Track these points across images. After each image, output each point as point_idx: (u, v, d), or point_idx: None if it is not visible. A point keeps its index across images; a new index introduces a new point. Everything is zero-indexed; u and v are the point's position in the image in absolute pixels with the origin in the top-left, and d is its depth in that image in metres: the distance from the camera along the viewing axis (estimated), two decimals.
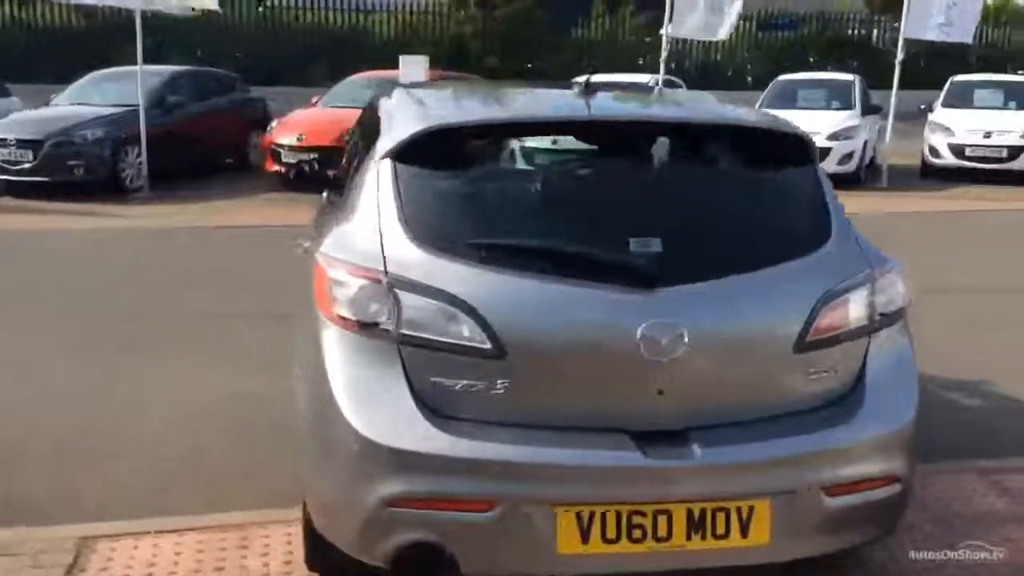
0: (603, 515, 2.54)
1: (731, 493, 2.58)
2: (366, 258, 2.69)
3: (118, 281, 7.83)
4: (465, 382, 2.58)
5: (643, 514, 2.55)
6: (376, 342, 2.64)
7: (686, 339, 2.55)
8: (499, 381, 2.58)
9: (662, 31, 24.70)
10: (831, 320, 2.72)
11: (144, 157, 12.13)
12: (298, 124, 13.23)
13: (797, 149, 3.02)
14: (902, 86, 13.87)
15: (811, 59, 24.17)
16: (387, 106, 3.43)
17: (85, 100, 12.96)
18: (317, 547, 2.98)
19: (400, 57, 13.14)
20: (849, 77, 15.54)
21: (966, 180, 14.01)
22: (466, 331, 2.57)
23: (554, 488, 2.53)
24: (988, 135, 14.18)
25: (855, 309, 2.77)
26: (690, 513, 2.56)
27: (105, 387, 5.25)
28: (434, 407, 2.59)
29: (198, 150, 13.48)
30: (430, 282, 2.60)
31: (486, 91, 4.16)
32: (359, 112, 13.68)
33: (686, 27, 13.59)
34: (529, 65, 22.43)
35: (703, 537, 2.57)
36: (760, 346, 2.70)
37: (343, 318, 2.68)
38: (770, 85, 15.22)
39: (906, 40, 13.92)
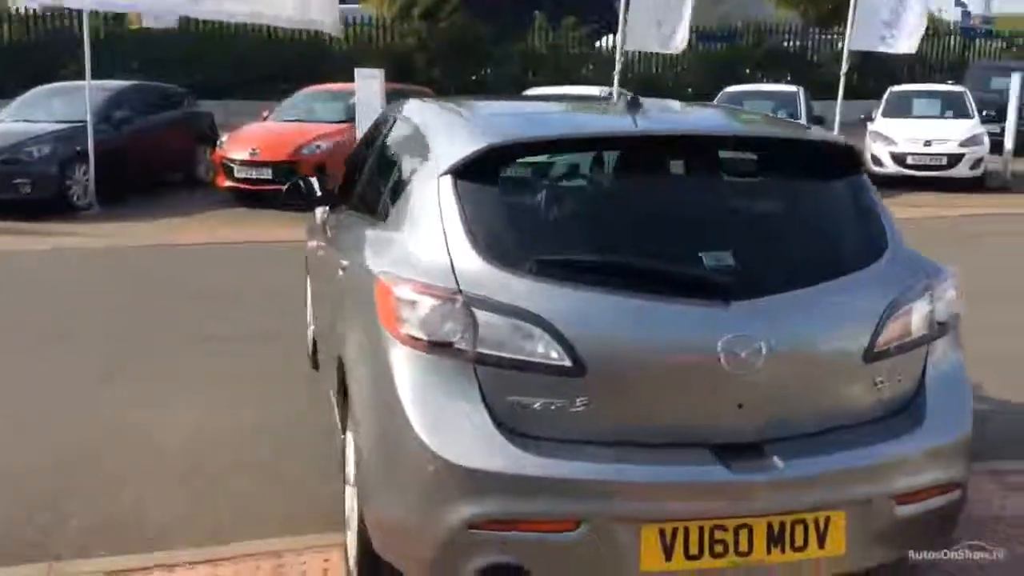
0: (686, 531, 2.52)
1: (810, 505, 2.58)
2: (436, 276, 2.65)
3: (74, 302, 7.63)
4: (544, 400, 2.55)
5: (725, 528, 2.54)
6: (450, 362, 2.59)
7: (764, 352, 2.56)
8: (579, 398, 2.55)
9: (598, 43, 25.14)
10: (896, 330, 2.76)
11: (92, 174, 11.82)
12: (251, 138, 13.03)
13: (848, 161, 3.06)
14: (833, 96, 14.24)
15: (748, 71, 24.67)
16: (424, 121, 3.38)
17: (29, 116, 12.54)
18: (371, 573, 2.93)
19: (356, 71, 12.94)
20: (793, 88, 15.90)
21: (908, 187, 14.37)
22: (545, 348, 2.54)
23: (641, 505, 2.51)
24: (928, 143, 14.61)
25: (917, 318, 2.81)
26: (770, 526, 2.56)
27: (73, 410, 5.12)
28: (512, 426, 2.55)
29: (147, 166, 13.19)
30: (506, 299, 2.56)
31: (520, 106, 4.13)
32: (315, 125, 13.55)
33: (640, 39, 13.72)
34: (474, 77, 22.44)
35: (782, 550, 2.58)
36: (833, 357, 2.72)
37: (413, 338, 2.63)
38: (718, 96, 15.45)
39: (850, 52, 14.29)
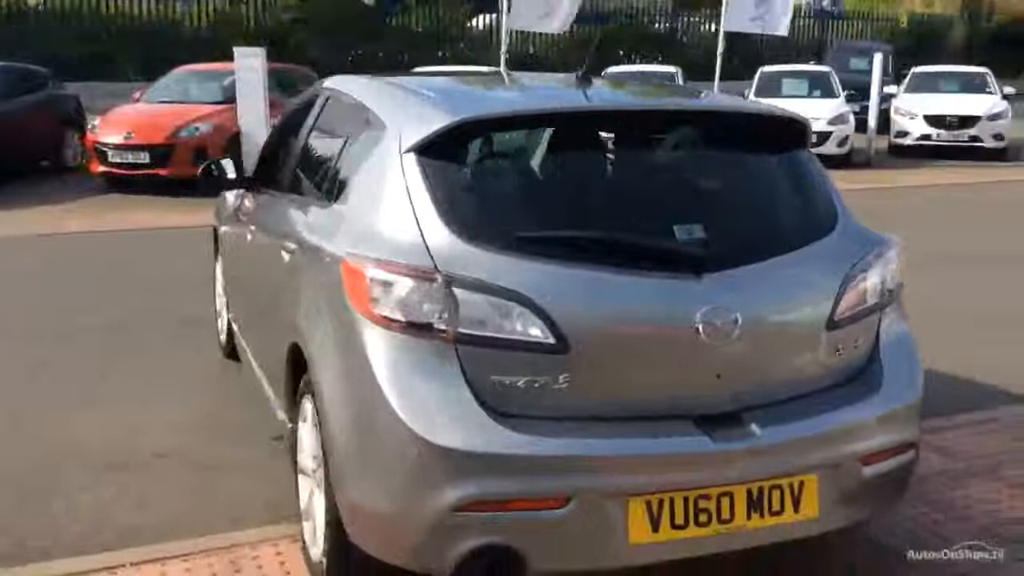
0: (671, 501, 2.55)
1: (785, 470, 2.65)
2: (410, 256, 2.58)
3: None
4: (527, 378, 2.52)
5: (708, 497, 2.58)
6: (430, 342, 2.53)
7: (739, 322, 2.60)
8: (562, 375, 2.53)
9: (473, 22, 25.06)
10: (854, 298, 2.86)
11: None
12: (124, 121, 12.48)
13: (797, 135, 3.13)
14: (704, 77, 14.62)
15: (620, 52, 25.07)
16: (369, 98, 3.29)
17: None
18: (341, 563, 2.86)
19: (235, 50, 12.50)
20: (672, 69, 16.29)
21: None
22: (528, 326, 2.51)
23: (629, 479, 2.52)
24: None
25: (871, 286, 2.91)
26: (749, 493, 2.62)
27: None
28: (496, 406, 2.52)
29: (11, 152, 12.37)
30: (485, 278, 2.52)
31: (461, 82, 4.06)
32: (192, 107, 12.93)
33: (523, 19, 13.72)
34: (349, 57, 22.01)
35: (761, 515, 2.64)
36: (798, 326, 2.80)
37: (389, 319, 2.56)
38: (601, 75, 15.65)
39: (726, 33, 14.68)
